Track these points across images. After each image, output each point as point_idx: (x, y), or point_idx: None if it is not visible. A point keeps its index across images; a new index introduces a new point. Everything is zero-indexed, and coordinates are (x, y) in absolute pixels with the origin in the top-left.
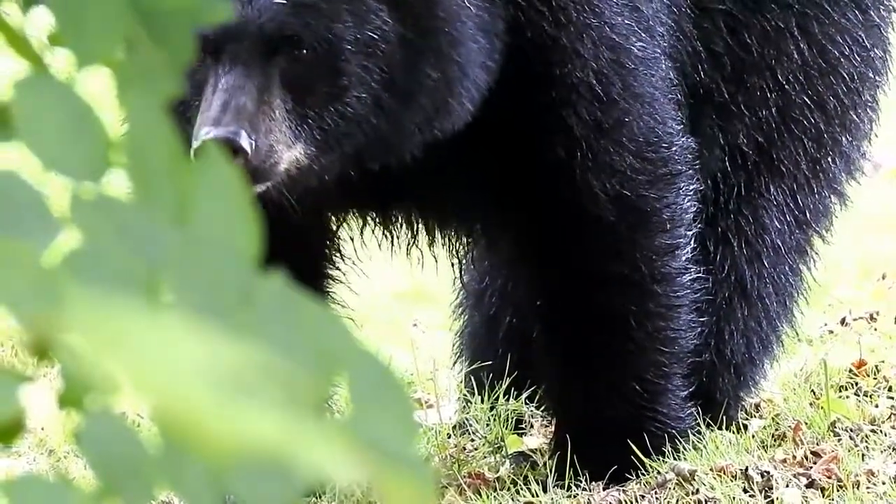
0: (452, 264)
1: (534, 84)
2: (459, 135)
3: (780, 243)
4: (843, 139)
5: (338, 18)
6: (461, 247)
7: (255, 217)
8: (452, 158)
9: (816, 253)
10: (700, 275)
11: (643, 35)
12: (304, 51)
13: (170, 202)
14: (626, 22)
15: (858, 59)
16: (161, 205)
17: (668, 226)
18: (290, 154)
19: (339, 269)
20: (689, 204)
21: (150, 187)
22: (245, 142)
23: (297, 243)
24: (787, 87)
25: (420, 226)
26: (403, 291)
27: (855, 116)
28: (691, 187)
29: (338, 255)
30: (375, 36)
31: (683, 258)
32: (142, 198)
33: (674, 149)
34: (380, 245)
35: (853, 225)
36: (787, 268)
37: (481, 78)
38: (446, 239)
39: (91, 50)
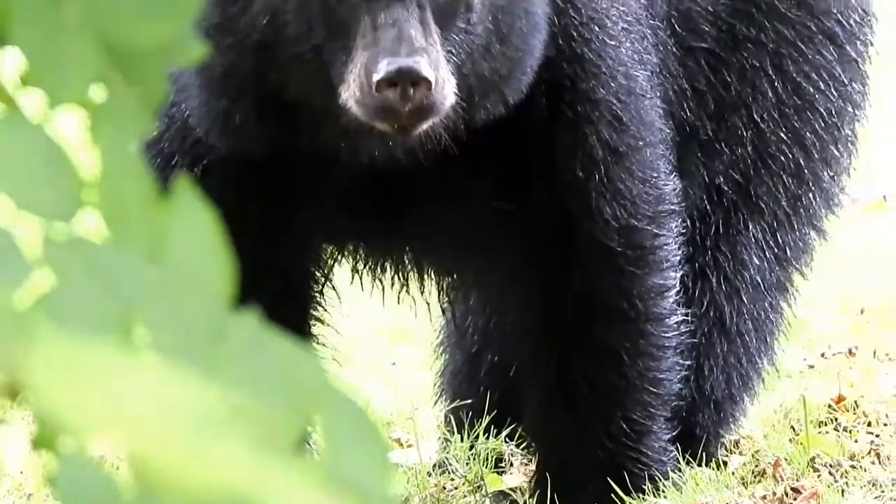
0: (429, 303)
1: (560, 97)
2: (475, 141)
3: (759, 280)
4: (824, 174)
5: None
6: (448, 284)
7: (228, 255)
8: (463, 170)
9: (796, 289)
10: (685, 317)
11: (642, 66)
12: None
13: (143, 241)
14: (631, 50)
15: (836, 95)
16: (134, 244)
17: (664, 265)
18: (452, 88)
19: (321, 308)
20: (678, 245)
21: (122, 226)
22: (428, 72)
23: (279, 281)
24: (762, 124)
25: (409, 261)
26: (383, 329)
27: (835, 151)
28: (681, 229)
29: (319, 293)
30: None
31: (671, 300)
32: (115, 237)
33: (669, 187)
34: (361, 282)
35: (832, 259)
36: (766, 304)
37: (535, 60)
38: (433, 275)
39: (63, 90)
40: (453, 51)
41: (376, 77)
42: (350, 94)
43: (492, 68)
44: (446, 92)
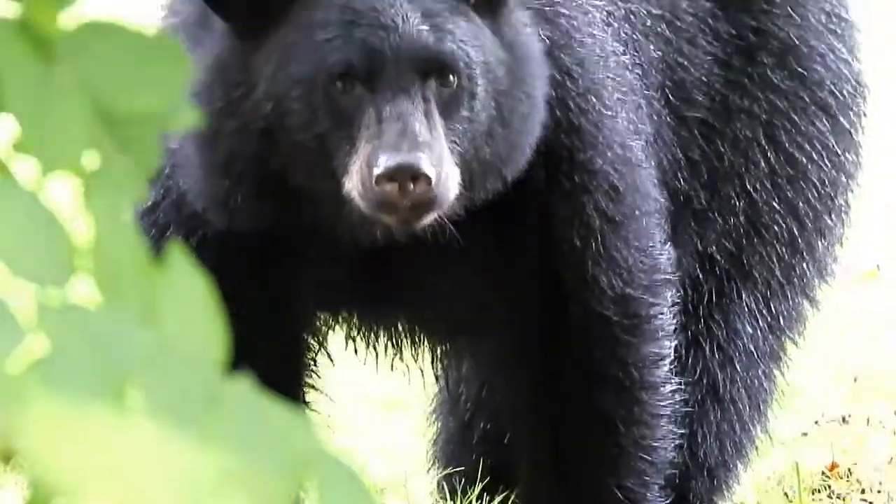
0: (423, 371)
1: (557, 167)
2: (472, 212)
3: (752, 348)
4: (818, 244)
5: (470, 44)
6: (442, 351)
7: (221, 321)
8: (459, 239)
9: (789, 357)
10: (679, 386)
11: (637, 137)
12: (451, 76)
13: (136, 307)
14: (627, 119)
15: (829, 165)
16: (128, 310)
17: (659, 334)
18: (456, 180)
19: (314, 375)
20: (672, 314)
21: (116, 292)
22: (429, 168)
23: (273, 348)
24: (755, 194)
25: (404, 329)
26: (376, 397)
27: (829, 221)
28: (675, 298)
29: (313, 360)
30: (492, 60)
31: (666, 368)
32: (108, 303)
33: (664, 256)
34: (356, 349)
35: (825, 327)
36: (760, 372)
37: (535, 138)
38: (427, 342)
39: (56, 156)
40: (457, 140)
41: (376, 171)
42: (353, 185)
43: (493, 152)
44: (449, 185)
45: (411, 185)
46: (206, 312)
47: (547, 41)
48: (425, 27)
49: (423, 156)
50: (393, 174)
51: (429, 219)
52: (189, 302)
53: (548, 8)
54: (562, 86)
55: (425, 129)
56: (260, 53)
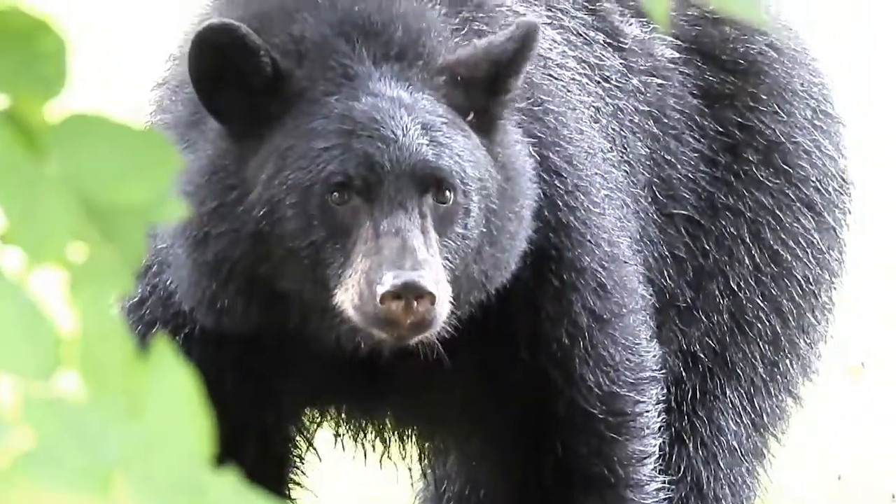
0: (410, 469)
1: (546, 265)
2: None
3: (736, 445)
4: (801, 342)
5: (466, 159)
6: (428, 448)
7: (207, 415)
8: (446, 338)
9: (772, 454)
10: (664, 485)
11: (624, 234)
12: (447, 192)
13: (122, 400)
14: (614, 216)
15: (814, 262)
16: (113, 403)
17: (644, 432)
18: (448, 298)
19: (300, 472)
20: (657, 412)
21: (101, 385)
22: (433, 286)
23: (259, 443)
24: (739, 292)
25: (391, 425)
26: (363, 494)
27: (812, 318)
28: (660, 395)
29: (299, 458)
30: (486, 177)
31: (651, 466)
32: (94, 396)
33: (650, 353)
34: (343, 446)
35: (810, 424)
36: (743, 469)
37: (520, 253)
38: (414, 439)
39: (42, 248)
40: (450, 257)
41: (381, 290)
42: (348, 298)
43: (480, 270)
44: (446, 304)
45: (416, 304)
46: (192, 406)
47: (535, 139)
48: (424, 141)
49: (425, 273)
50: (400, 292)
51: (424, 336)
52: (175, 395)
53: (536, 107)
54: (550, 185)
55: (423, 245)
56: (255, 158)
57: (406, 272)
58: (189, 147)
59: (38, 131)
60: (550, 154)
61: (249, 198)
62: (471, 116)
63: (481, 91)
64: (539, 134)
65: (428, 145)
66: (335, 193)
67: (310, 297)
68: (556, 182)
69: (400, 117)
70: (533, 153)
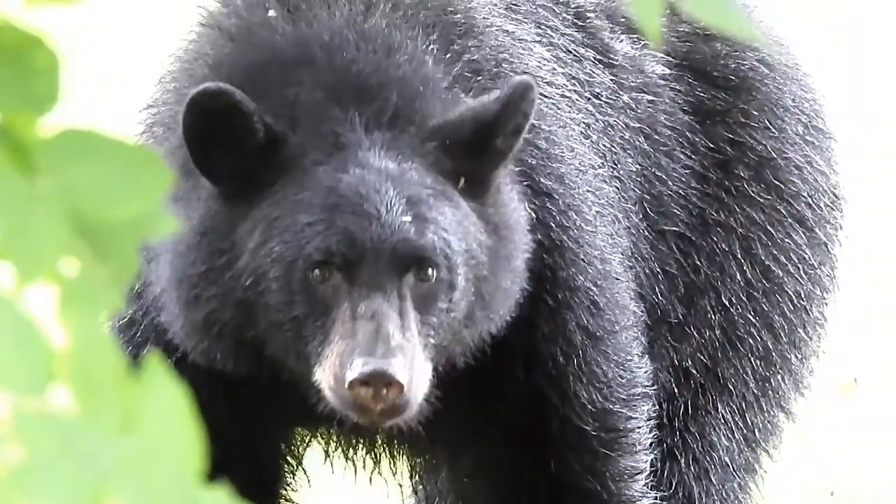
0: (401, 485)
1: (541, 286)
2: None
3: (728, 460)
4: (792, 357)
5: (452, 232)
6: (419, 464)
7: (198, 431)
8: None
9: (764, 469)
10: (655, 501)
11: (616, 250)
12: (430, 269)
13: (114, 415)
14: (605, 233)
15: (805, 278)
16: (105, 418)
17: (636, 448)
18: (426, 380)
19: (290, 489)
20: (649, 428)
21: (93, 401)
22: (403, 375)
23: (250, 462)
24: (730, 308)
25: (383, 442)
26: None
27: (803, 334)
28: (651, 412)
29: (290, 475)
30: (475, 247)
31: (643, 482)
32: (85, 411)
33: (642, 369)
34: (332, 465)
35: (802, 440)
36: (735, 485)
37: (518, 295)
38: (406, 455)
39: (34, 263)
40: (432, 333)
41: (350, 376)
42: (325, 379)
43: (472, 333)
44: (420, 388)
45: (385, 391)
46: (184, 421)
47: (526, 163)
48: (407, 218)
49: (396, 362)
50: (367, 380)
51: (398, 421)
52: (167, 411)
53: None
54: (542, 207)
55: (398, 330)
56: (245, 223)
57: (375, 360)
58: (181, 201)
59: (30, 146)
60: (542, 178)
61: (238, 264)
62: (461, 183)
63: (470, 154)
64: (530, 159)
65: (411, 222)
66: (317, 271)
67: (294, 367)
68: (549, 204)
69: (385, 191)
70: (525, 174)
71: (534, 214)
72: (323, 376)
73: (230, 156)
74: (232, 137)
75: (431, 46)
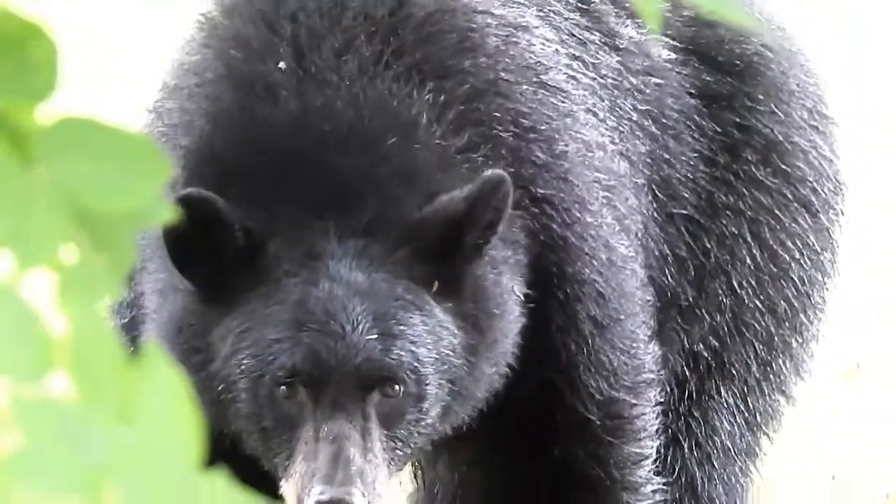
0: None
1: (550, 282)
2: None
3: (729, 444)
4: (794, 342)
5: (422, 343)
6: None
7: (197, 418)
8: None
9: (765, 453)
10: (661, 486)
11: (622, 234)
12: (396, 386)
13: (113, 403)
14: (610, 220)
15: (809, 263)
16: (104, 406)
17: (641, 434)
18: (387, 497)
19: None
20: (655, 415)
21: (92, 389)
22: (360, 502)
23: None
24: (740, 291)
25: None
26: None
27: (805, 319)
28: (658, 398)
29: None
30: (448, 352)
31: (648, 468)
32: (84, 399)
33: (648, 356)
34: None
35: (804, 424)
36: (736, 468)
37: (506, 369)
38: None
39: (33, 252)
40: (400, 446)
41: (307, 502)
42: (290, 495)
43: (452, 421)
44: None
45: None
46: (183, 409)
47: (522, 178)
48: (373, 336)
49: (354, 490)
50: None
51: None
52: (165, 398)
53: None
54: (543, 213)
55: (360, 454)
56: (219, 327)
57: (333, 489)
58: (158, 293)
59: (28, 135)
60: (540, 187)
61: (212, 367)
62: (435, 287)
63: (441, 256)
64: (528, 168)
65: (377, 339)
66: (283, 387)
67: (268, 468)
68: (549, 210)
69: (353, 308)
70: (523, 187)
71: (536, 222)
72: (288, 492)
73: (209, 261)
74: (211, 244)
75: (437, 114)
